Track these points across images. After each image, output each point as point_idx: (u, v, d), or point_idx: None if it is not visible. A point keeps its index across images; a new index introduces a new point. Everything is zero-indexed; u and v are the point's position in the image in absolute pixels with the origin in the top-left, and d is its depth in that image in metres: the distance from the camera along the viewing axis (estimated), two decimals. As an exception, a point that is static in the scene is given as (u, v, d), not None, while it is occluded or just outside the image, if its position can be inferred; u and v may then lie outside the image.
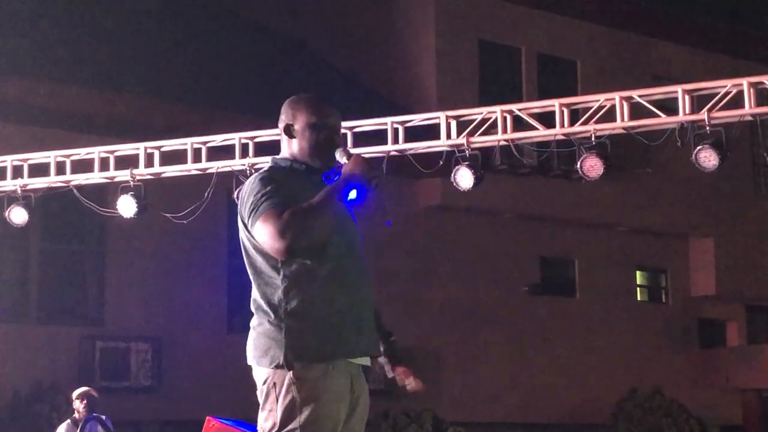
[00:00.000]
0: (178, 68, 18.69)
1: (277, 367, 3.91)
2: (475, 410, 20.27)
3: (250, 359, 4.04)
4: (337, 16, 21.95)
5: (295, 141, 4.13)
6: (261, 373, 3.99)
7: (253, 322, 4.04)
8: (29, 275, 16.98)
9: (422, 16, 20.98)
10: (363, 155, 4.18)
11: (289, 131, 4.14)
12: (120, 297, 17.25)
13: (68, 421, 10.51)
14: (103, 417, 10.38)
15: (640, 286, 24.00)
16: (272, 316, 3.95)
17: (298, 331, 3.92)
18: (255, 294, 4.03)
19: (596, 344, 22.15)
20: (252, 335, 4.04)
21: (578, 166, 10.60)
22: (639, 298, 23.94)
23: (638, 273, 23.86)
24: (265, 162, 11.16)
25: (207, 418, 8.81)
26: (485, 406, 20.55)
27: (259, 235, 3.90)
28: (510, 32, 21.66)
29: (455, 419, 18.71)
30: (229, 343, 17.21)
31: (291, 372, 3.90)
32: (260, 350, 3.97)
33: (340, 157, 4.07)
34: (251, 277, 4.05)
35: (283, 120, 4.16)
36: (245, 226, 3.99)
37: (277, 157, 4.19)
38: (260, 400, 4.00)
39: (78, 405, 10.41)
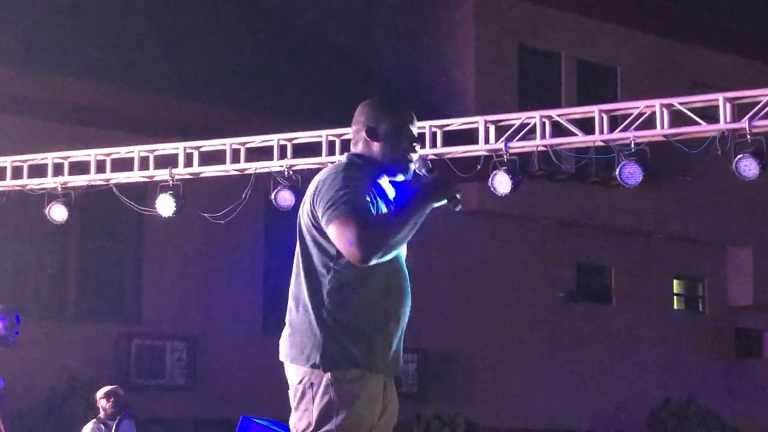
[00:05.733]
0: (219, 70, 18.77)
1: (314, 366, 3.87)
2: (508, 415, 20.23)
3: (284, 356, 3.99)
4: (376, 19, 21.96)
5: (378, 144, 4.05)
6: (296, 371, 3.94)
7: (292, 318, 3.99)
8: (67, 272, 17.09)
9: (462, 21, 20.94)
10: (444, 171, 4.11)
11: (373, 134, 4.06)
12: (156, 295, 17.33)
13: (94, 420, 10.27)
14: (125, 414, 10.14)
15: (676, 294, 23.85)
16: (314, 315, 3.90)
17: (336, 335, 3.87)
18: (298, 290, 3.97)
19: (631, 352, 22.05)
20: (288, 332, 3.99)
21: (617, 173, 10.54)
22: (676, 307, 23.78)
23: (675, 281, 23.71)
24: (304, 164, 11.28)
25: (241, 417, 8.85)
26: (518, 411, 20.50)
27: (336, 235, 3.81)
28: (550, 38, 21.59)
29: (488, 424, 18.69)
30: (264, 343, 17.27)
31: (329, 373, 3.86)
32: (297, 348, 3.93)
33: (419, 168, 4.05)
34: (300, 270, 3.97)
35: (363, 122, 4.09)
36: (313, 218, 3.92)
37: (354, 154, 4.10)
38: (293, 398, 3.96)
39: (104, 404, 10.20)
